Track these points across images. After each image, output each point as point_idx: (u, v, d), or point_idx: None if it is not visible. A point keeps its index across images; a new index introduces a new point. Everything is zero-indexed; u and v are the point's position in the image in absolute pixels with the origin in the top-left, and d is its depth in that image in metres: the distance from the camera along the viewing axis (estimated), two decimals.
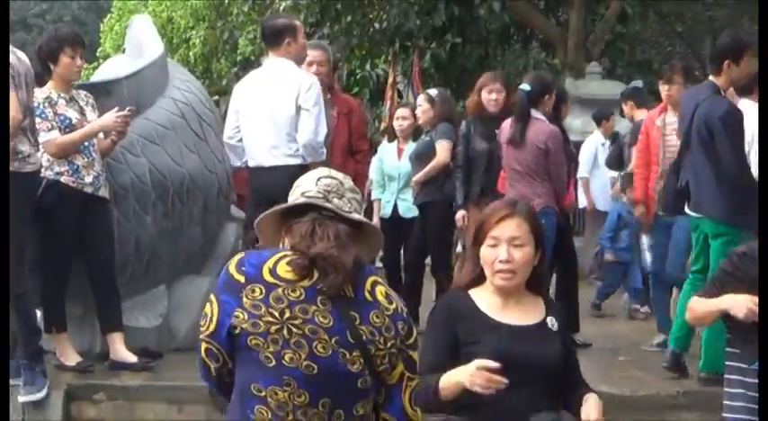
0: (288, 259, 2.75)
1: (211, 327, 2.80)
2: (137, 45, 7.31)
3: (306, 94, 6.04)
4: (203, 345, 2.90)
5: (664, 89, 7.11)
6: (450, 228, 7.56)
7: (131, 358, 5.73)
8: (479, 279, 3.20)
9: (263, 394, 2.79)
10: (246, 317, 2.75)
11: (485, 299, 3.20)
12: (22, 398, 5.43)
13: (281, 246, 2.90)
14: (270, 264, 2.78)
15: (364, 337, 2.79)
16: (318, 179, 2.88)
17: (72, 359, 5.74)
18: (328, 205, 2.84)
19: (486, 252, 3.11)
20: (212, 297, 2.88)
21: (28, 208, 5.39)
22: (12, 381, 5.37)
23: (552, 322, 3.17)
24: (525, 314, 3.17)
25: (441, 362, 3.14)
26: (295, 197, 2.85)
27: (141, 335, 6.00)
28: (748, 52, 5.96)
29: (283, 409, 2.79)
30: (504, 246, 3.07)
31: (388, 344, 2.72)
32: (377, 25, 13.66)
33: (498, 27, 13.40)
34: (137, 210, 6.03)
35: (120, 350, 5.77)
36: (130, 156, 6.11)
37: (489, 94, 6.94)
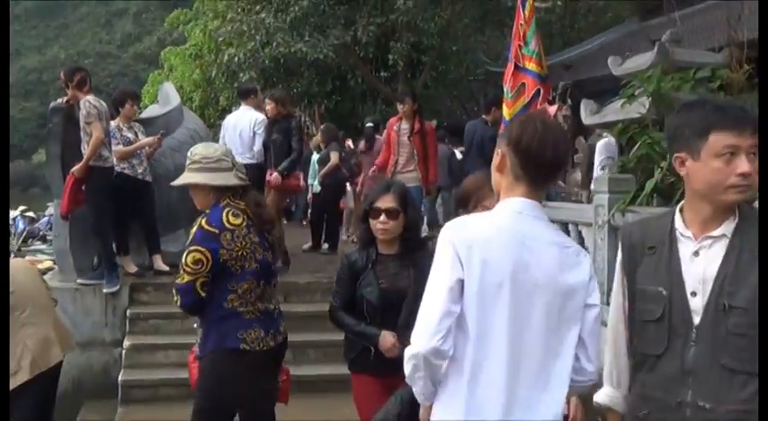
0: (231, 212, 3.37)
1: (208, 267, 3.28)
2: (165, 98, 8.78)
3: (258, 125, 7.58)
4: (200, 280, 3.31)
5: (400, 108, 7.89)
6: (338, 197, 9.68)
7: (165, 268, 6.98)
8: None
9: (234, 288, 3.39)
10: (225, 252, 3.30)
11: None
12: (106, 290, 6.63)
13: (212, 205, 3.41)
14: (223, 218, 3.33)
15: (271, 240, 3.65)
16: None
17: (132, 269, 6.98)
18: (243, 183, 3.50)
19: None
20: (199, 248, 3.29)
21: (107, 187, 6.58)
22: (99, 282, 6.67)
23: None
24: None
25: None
26: (219, 177, 3.42)
27: (171, 256, 6.84)
28: (494, 108, 7.81)
29: (246, 294, 3.43)
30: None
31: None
32: (296, 90, 15.50)
33: (360, 91, 15.23)
34: (165, 187, 6.47)
35: (159, 264, 7.11)
36: (163, 159, 7.50)
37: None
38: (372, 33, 14.50)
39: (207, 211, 3.42)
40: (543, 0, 12.84)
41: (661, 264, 2.07)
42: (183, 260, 3.33)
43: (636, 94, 7.01)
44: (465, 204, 2.79)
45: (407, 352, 2.07)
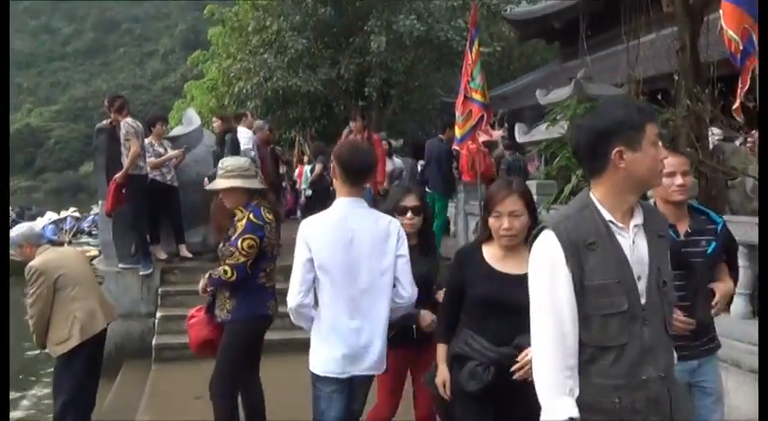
0: (265, 210, 3.46)
1: (256, 249, 3.38)
2: (188, 121, 8.72)
3: (250, 142, 7.38)
4: (249, 261, 3.36)
5: (352, 123, 7.92)
6: (325, 199, 9.31)
7: (189, 255, 7.05)
8: (491, 237, 2.57)
9: (264, 268, 3.49)
10: (266, 240, 3.42)
11: (491, 252, 2.57)
12: (141, 273, 6.64)
13: (244, 205, 3.44)
14: (263, 214, 3.43)
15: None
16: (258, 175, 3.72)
17: (162, 256, 6.97)
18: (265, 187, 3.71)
19: (492, 222, 2.53)
20: (252, 236, 3.34)
21: (143, 191, 6.58)
22: (136, 266, 6.65)
23: None
24: (519, 265, 2.38)
25: (451, 299, 2.63)
26: (251, 182, 3.48)
27: (193, 245, 7.18)
28: (448, 129, 7.61)
29: (270, 273, 3.55)
30: (506, 218, 2.48)
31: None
32: (291, 116, 15.51)
33: (343, 116, 14.99)
34: (189, 192, 7.21)
35: (184, 252, 7.10)
36: (187, 169, 7.47)
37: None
38: (352, 71, 14.68)
39: (241, 210, 3.44)
40: (486, 46, 12.93)
41: (609, 258, 1.75)
42: (239, 245, 3.33)
43: (557, 118, 7.15)
44: (487, 209, 2.57)
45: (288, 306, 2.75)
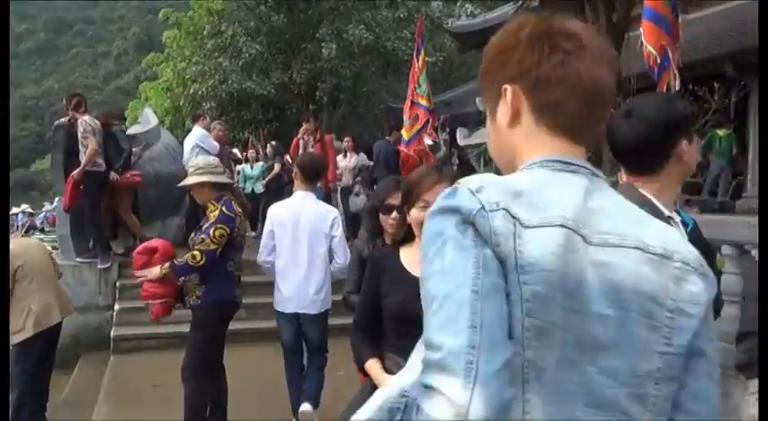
0: (235, 204, 3.48)
1: (226, 239, 3.37)
2: (146, 120, 8.46)
3: (205, 139, 7.20)
4: (219, 249, 3.34)
5: (305, 125, 7.67)
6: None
7: None
8: (409, 237, 2.10)
9: (233, 258, 3.51)
10: (236, 231, 3.44)
11: (410, 255, 2.06)
12: (100, 266, 6.42)
13: (215, 199, 3.45)
14: (234, 207, 3.45)
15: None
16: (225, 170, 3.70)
17: (120, 250, 6.75)
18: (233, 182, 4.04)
19: (416, 213, 2.01)
20: (224, 226, 3.34)
21: (100, 187, 6.29)
22: (93, 260, 6.39)
23: None
24: None
25: (367, 315, 2.12)
26: (220, 177, 3.48)
27: (149, 240, 7.03)
28: (395, 131, 7.74)
29: (237, 263, 3.57)
30: None
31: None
32: (245, 117, 15.31)
33: (294, 119, 14.71)
34: (148, 187, 6.99)
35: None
36: (145, 166, 7.22)
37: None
38: (304, 76, 14.64)
39: (213, 203, 3.45)
40: (430, 56, 13.11)
41: None
42: (211, 234, 3.34)
43: None
44: (408, 198, 2.08)
45: None
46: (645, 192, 1.58)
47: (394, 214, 2.68)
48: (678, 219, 1.67)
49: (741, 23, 9.30)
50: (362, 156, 9.05)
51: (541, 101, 0.91)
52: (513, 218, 0.80)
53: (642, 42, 3.88)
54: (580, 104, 0.90)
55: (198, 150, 6.80)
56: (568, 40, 0.90)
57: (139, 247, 3.67)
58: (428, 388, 0.73)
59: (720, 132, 8.53)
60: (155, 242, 3.64)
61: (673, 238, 0.89)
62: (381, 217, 2.74)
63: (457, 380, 0.72)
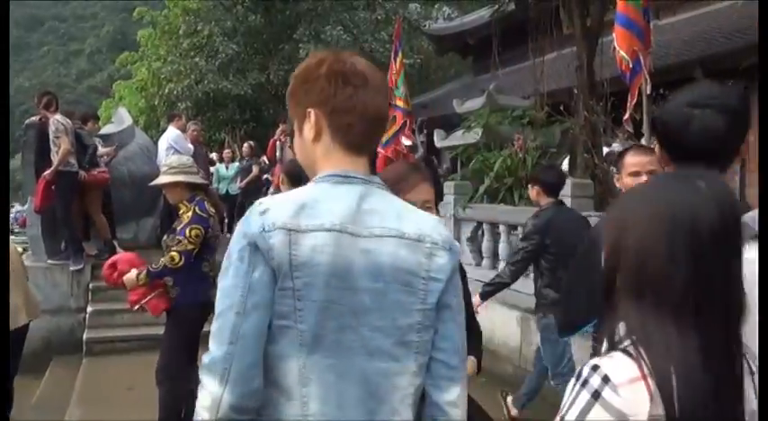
0: (208, 204, 3.51)
1: (202, 239, 3.40)
2: (120, 119, 8.39)
3: (179, 140, 7.29)
4: (195, 249, 3.36)
5: (282, 126, 7.94)
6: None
7: (120, 251, 6.27)
8: None
9: (207, 258, 3.52)
10: (210, 231, 3.47)
11: None
12: (72, 268, 6.30)
13: (187, 199, 3.45)
14: (207, 207, 3.48)
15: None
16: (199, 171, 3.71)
17: (93, 251, 6.67)
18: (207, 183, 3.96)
19: None
20: (198, 225, 3.37)
21: (73, 188, 6.20)
22: (66, 262, 6.29)
23: None
24: None
25: None
26: (193, 177, 3.49)
27: (123, 242, 6.88)
28: None
29: (212, 263, 3.52)
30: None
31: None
32: (222, 117, 15.09)
33: (271, 120, 14.45)
34: (121, 188, 7.05)
35: (116, 250, 6.56)
36: (119, 166, 7.22)
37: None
38: (281, 76, 14.57)
39: (185, 204, 3.45)
40: (407, 58, 13.17)
41: None
42: (187, 234, 3.33)
43: (472, 126, 7.38)
44: None
45: None
46: None
47: None
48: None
49: (710, 30, 9.54)
50: None
51: (337, 124, 1.20)
52: (290, 231, 1.09)
53: (615, 47, 3.97)
54: (365, 127, 1.20)
55: (172, 151, 6.77)
56: (357, 77, 1.19)
57: (107, 265, 3.61)
58: (201, 382, 1.09)
59: None
60: (117, 257, 3.63)
61: (425, 226, 1.20)
62: None
63: (215, 380, 1.07)
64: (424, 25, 16.71)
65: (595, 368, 0.90)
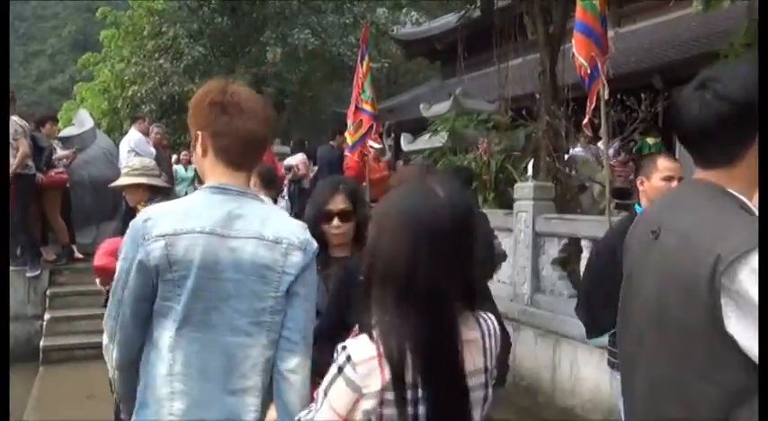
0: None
1: None
2: (80, 121, 8.25)
3: (141, 143, 7.17)
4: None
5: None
6: None
7: (80, 256, 6.61)
8: None
9: None
10: None
11: None
12: (29, 274, 6.23)
13: (147, 201, 3.40)
14: None
15: None
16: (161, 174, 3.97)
17: (51, 257, 6.58)
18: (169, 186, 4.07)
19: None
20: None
21: (31, 191, 6.15)
22: (22, 268, 6.18)
23: None
24: None
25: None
26: (155, 180, 3.52)
27: (84, 246, 6.64)
28: (338, 136, 7.67)
29: None
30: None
31: None
32: (186, 120, 15.00)
33: None
34: (82, 191, 6.96)
35: (75, 254, 6.70)
36: (79, 170, 7.10)
37: None
38: (248, 80, 14.39)
39: (143, 206, 3.34)
40: (375, 62, 13.22)
41: None
42: None
43: (438, 129, 7.46)
44: None
45: None
46: (733, 191, 1.21)
47: (336, 222, 2.24)
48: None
49: (669, 38, 9.84)
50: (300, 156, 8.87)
51: (218, 144, 1.51)
52: (166, 236, 1.41)
53: (574, 53, 4.06)
54: (240, 148, 1.50)
55: (133, 154, 6.66)
56: (233, 106, 1.48)
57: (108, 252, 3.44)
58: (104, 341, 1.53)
59: (650, 140, 8.98)
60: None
61: (285, 230, 1.49)
62: (323, 226, 2.23)
63: (110, 341, 1.51)
64: (392, 30, 16.78)
65: (344, 348, 1.11)
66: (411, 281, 1.08)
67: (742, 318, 1.08)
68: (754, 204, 1.21)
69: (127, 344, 1.49)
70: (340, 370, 1.10)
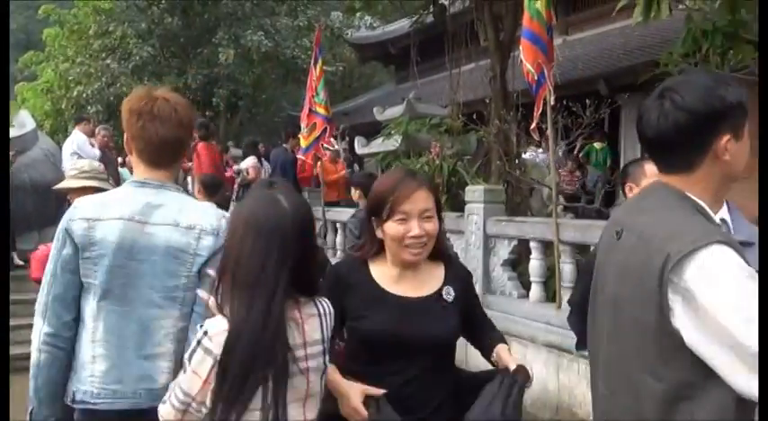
0: None
1: None
2: (21, 123, 8.01)
3: (84, 146, 7.05)
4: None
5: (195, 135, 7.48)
6: None
7: (20, 263, 6.23)
8: (379, 252, 1.76)
9: None
10: None
11: (383, 270, 1.75)
12: None
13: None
14: None
15: None
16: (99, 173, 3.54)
17: None
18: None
19: (393, 228, 1.67)
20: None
21: None
22: None
23: (449, 292, 1.71)
24: (421, 284, 1.73)
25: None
26: (103, 183, 3.30)
27: (24, 253, 6.00)
28: (292, 139, 7.77)
29: None
30: (416, 221, 1.66)
31: None
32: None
33: None
34: (22, 195, 6.70)
35: (15, 260, 6.47)
36: (19, 173, 6.86)
37: None
38: (200, 81, 14.23)
39: None
40: (329, 65, 13.21)
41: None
42: None
43: (392, 133, 7.52)
44: (380, 209, 1.70)
45: None
46: (692, 195, 1.27)
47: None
48: (731, 225, 1.61)
49: (614, 47, 10.21)
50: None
51: (137, 146, 1.75)
52: (89, 219, 1.67)
53: (522, 60, 4.17)
54: (154, 150, 1.73)
55: (77, 157, 6.52)
56: (147, 113, 1.70)
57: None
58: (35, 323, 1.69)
59: (597, 145, 9.32)
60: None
61: (199, 218, 1.70)
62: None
63: (40, 318, 1.68)
64: (347, 33, 16.81)
65: (203, 326, 1.38)
66: (249, 271, 1.35)
67: (687, 314, 1.13)
68: (718, 210, 1.30)
69: (55, 315, 1.66)
70: (199, 342, 1.36)
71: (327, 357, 1.45)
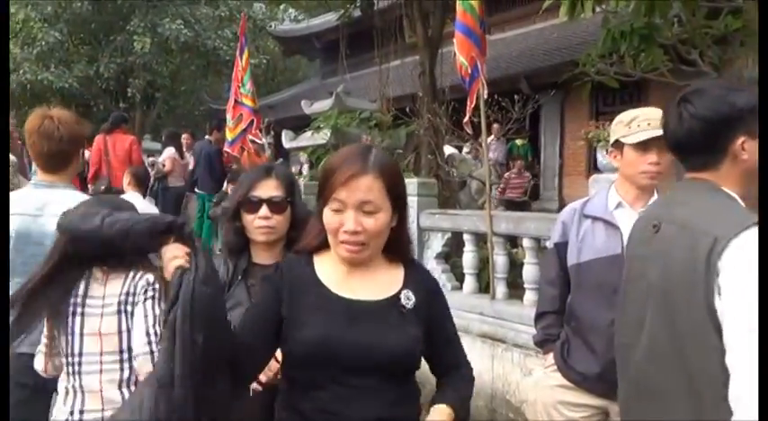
0: None
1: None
2: None
3: None
4: None
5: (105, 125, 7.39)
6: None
7: None
8: (325, 242, 1.40)
9: None
10: None
11: (330, 268, 1.41)
12: None
13: None
14: None
15: None
16: None
17: None
18: None
19: (329, 217, 1.34)
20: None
21: None
22: None
23: (408, 296, 1.38)
24: (375, 286, 1.39)
25: (254, 341, 1.36)
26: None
27: None
28: (215, 131, 7.57)
29: None
30: (352, 213, 1.32)
31: None
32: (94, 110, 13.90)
33: (102, 117, 13.26)
34: None
35: None
36: None
37: None
38: (113, 70, 13.57)
39: None
40: (253, 58, 12.89)
41: None
42: None
43: (321, 127, 7.40)
44: (321, 193, 1.46)
45: None
46: (726, 190, 1.38)
47: (264, 211, 1.82)
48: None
49: (535, 47, 10.59)
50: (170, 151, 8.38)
51: (32, 157, 2.28)
52: (12, 214, 2.12)
53: (455, 53, 4.20)
54: (43, 160, 2.24)
55: None
56: (35, 131, 2.18)
57: None
58: None
59: (518, 142, 9.67)
60: None
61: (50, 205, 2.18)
62: (247, 216, 1.83)
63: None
64: (270, 26, 16.46)
65: None
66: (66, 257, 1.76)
67: (725, 295, 1.22)
68: (749, 197, 1.39)
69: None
70: None
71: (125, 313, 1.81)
